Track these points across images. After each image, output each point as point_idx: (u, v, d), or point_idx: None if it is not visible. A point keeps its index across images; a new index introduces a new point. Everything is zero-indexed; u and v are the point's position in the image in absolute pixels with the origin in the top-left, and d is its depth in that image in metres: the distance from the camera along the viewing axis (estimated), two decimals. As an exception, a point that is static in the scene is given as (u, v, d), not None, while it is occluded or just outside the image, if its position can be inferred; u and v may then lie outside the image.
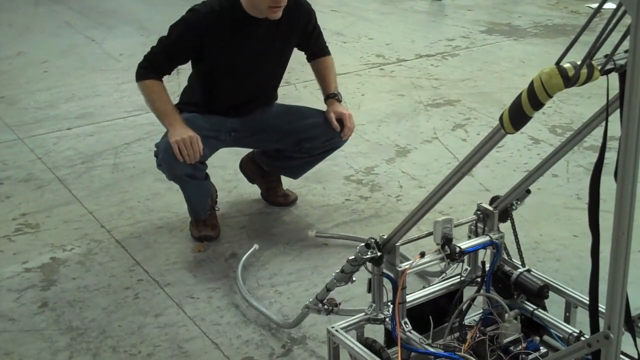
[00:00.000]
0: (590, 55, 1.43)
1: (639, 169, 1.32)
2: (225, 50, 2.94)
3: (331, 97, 3.15)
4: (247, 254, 2.98)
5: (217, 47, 2.92)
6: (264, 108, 3.19)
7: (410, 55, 5.85)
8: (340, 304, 2.28)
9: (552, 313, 2.19)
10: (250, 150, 3.46)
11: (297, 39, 3.11)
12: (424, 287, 2.29)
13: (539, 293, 2.14)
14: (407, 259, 2.13)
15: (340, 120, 3.08)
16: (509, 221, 2.27)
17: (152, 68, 2.94)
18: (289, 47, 3.13)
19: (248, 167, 3.51)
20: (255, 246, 3.03)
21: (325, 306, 2.25)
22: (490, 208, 2.21)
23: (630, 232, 1.35)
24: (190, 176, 2.95)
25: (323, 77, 3.22)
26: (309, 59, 3.27)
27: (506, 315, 2.07)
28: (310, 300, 2.30)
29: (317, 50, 3.24)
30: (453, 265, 2.10)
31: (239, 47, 2.94)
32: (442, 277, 2.37)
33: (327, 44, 3.27)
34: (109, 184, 3.74)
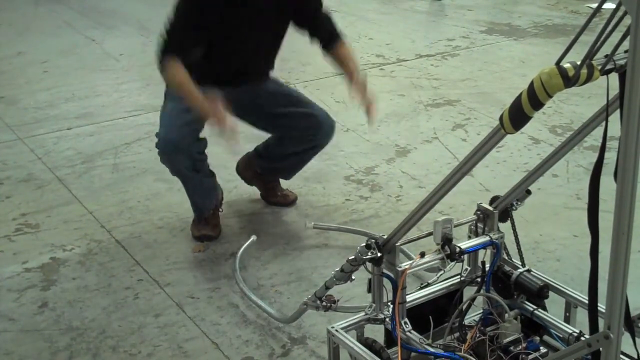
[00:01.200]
0: (590, 55, 1.43)
1: (639, 169, 1.32)
2: (221, 21, 2.86)
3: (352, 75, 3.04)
4: (246, 244, 3.00)
5: (213, 18, 2.84)
6: (257, 83, 3.13)
7: (410, 55, 5.85)
8: (338, 300, 2.28)
9: (552, 313, 2.19)
10: (245, 153, 3.46)
11: (294, 7, 3.01)
12: (421, 284, 2.29)
13: (539, 293, 2.14)
14: (411, 258, 2.13)
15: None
16: (508, 221, 2.27)
17: (177, 47, 2.79)
18: (286, 17, 3.02)
19: (245, 170, 3.51)
20: (254, 237, 3.05)
21: (324, 303, 2.25)
22: (490, 208, 2.21)
23: (630, 232, 1.35)
24: (191, 168, 2.95)
25: (341, 61, 3.10)
26: (322, 49, 3.14)
27: (506, 315, 2.07)
28: (309, 297, 2.30)
29: (323, 32, 3.11)
30: (450, 263, 2.09)
31: (234, 17, 2.88)
32: (439, 275, 2.37)
33: (337, 26, 3.14)
34: (109, 184, 3.74)
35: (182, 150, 2.92)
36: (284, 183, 3.52)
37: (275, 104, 3.15)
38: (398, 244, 2.00)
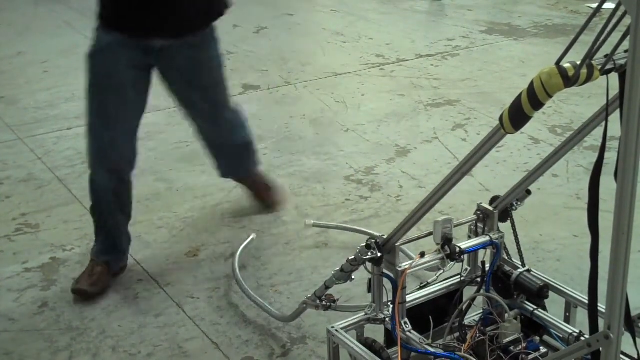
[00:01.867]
0: (590, 55, 1.43)
1: (639, 169, 1.32)
2: None
3: None
4: (245, 243, 3.00)
5: None
6: (191, 49, 2.73)
7: (410, 55, 5.84)
8: (337, 300, 2.28)
9: (552, 313, 2.19)
10: None
11: None
12: (420, 284, 2.29)
13: (539, 293, 2.14)
14: (411, 257, 2.13)
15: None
16: (508, 221, 2.27)
17: None
18: None
19: None
20: (253, 235, 3.05)
21: (323, 302, 2.25)
22: (490, 208, 2.21)
23: (630, 232, 1.35)
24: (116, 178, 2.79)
25: None
26: None
27: (506, 315, 2.07)
28: (309, 296, 2.30)
29: None
30: (450, 263, 2.09)
31: None
32: (438, 274, 2.37)
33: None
34: (109, 184, 3.73)
35: (127, 170, 2.79)
36: (286, 188, 3.52)
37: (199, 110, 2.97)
38: (398, 244, 2.00)
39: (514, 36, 6.38)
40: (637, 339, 1.74)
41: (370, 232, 3.05)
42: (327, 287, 2.22)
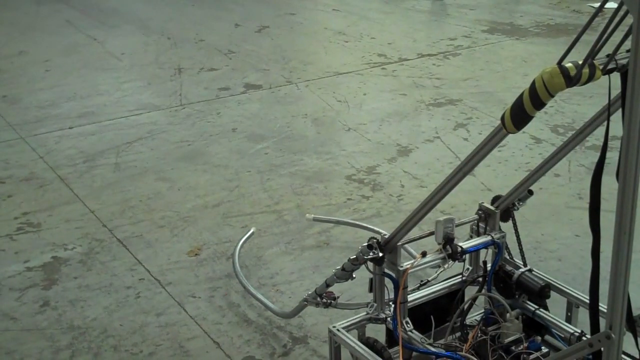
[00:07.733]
0: (592, 54, 1.42)
1: (640, 168, 1.32)
2: None
3: None
4: (245, 237, 3.01)
5: None
6: None
7: (412, 55, 5.84)
8: (338, 297, 2.27)
9: (554, 313, 2.19)
10: None
11: None
12: (421, 282, 2.29)
13: (541, 293, 2.14)
14: (413, 257, 2.13)
15: None
16: (510, 221, 2.27)
17: None
18: None
19: None
20: (253, 229, 3.05)
21: (324, 299, 2.24)
22: (492, 208, 2.21)
23: (632, 231, 1.35)
24: None
25: None
26: None
27: (508, 314, 2.06)
28: (309, 293, 2.30)
29: None
30: (451, 262, 2.09)
31: None
32: (439, 272, 2.37)
33: None
34: (110, 183, 3.74)
35: None
36: (287, 185, 3.51)
37: None
38: (400, 243, 2.00)
39: (516, 35, 6.38)
40: (639, 339, 1.74)
41: (369, 226, 3.06)
42: (328, 285, 2.22)
